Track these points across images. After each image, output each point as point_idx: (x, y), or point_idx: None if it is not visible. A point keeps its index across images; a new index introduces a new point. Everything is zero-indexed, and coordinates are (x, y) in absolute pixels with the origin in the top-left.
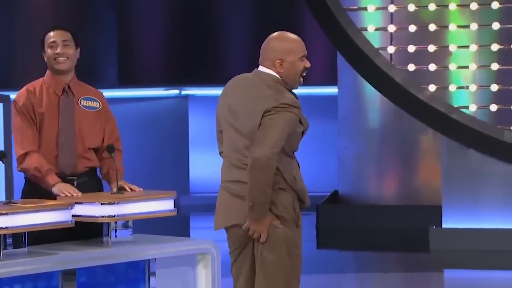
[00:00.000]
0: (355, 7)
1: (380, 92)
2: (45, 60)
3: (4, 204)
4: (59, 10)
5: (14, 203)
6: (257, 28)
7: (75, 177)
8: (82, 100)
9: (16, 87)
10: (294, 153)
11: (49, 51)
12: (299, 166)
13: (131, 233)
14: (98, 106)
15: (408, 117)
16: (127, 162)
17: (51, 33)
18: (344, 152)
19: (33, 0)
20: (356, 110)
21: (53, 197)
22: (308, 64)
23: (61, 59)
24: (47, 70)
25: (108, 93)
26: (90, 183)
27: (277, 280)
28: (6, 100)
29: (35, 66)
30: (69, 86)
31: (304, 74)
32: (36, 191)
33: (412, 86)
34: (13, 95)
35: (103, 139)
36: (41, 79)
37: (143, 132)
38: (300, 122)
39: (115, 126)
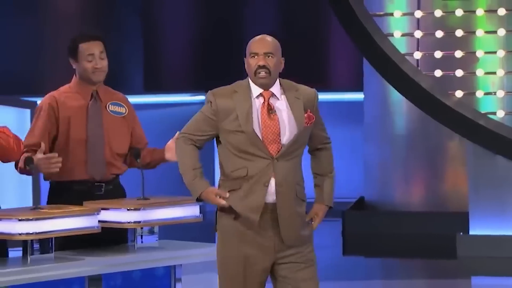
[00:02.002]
0: (381, 13)
1: (406, 98)
2: (75, 68)
3: (31, 209)
4: (86, 16)
5: (41, 209)
6: (282, 33)
7: (103, 184)
8: (109, 105)
9: (43, 94)
10: (253, 155)
11: (86, 63)
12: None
13: (157, 239)
14: (124, 111)
15: (434, 123)
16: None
17: (88, 44)
18: (370, 158)
19: (60, 7)
20: (382, 116)
21: (78, 203)
22: (259, 62)
23: (99, 73)
24: (74, 76)
25: (134, 99)
26: (116, 191)
27: None
28: (33, 106)
29: (62, 72)
30: (97, 92)
31: (261, 73)
32: (60, 198)
33: (438, 92)
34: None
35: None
36: (66, 86)
37: (169, 138)
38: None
39: (142, 130)
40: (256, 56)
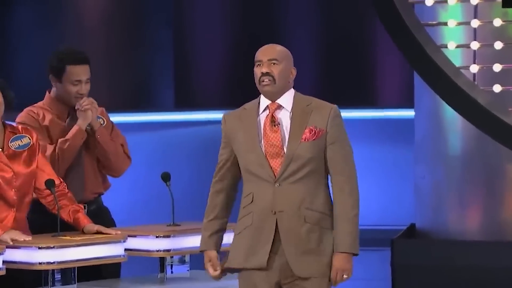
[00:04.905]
0: (434, 22)
1: (461, 115)
2: (55, 86)
3: (51, 236)
4: (112, 29)
5: (63, 236)
6: (326, 46)
7: (85, 205)
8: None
9: None
10: (257, 176)
11: (71, 87)
12: (250, 197)
13: (188, 269)
14: (103, 122)
15: (493, 143)
16: (185, 188)
17: (76, 68)
18: (422, 181)
19: (84, 19)
20: (435, 134)
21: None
22: (262, 69)
23: (81, 98)
24: (48, 93)
25: (164, 117)
26: (100, 213)
27: None
28: None
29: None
30: (74, 109)
31: (264, 80)
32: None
33: (497, 108)
34: None
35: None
36: (40, 103)
37: (201, 157)
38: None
39: (123, 143)
40: (260, 64)
